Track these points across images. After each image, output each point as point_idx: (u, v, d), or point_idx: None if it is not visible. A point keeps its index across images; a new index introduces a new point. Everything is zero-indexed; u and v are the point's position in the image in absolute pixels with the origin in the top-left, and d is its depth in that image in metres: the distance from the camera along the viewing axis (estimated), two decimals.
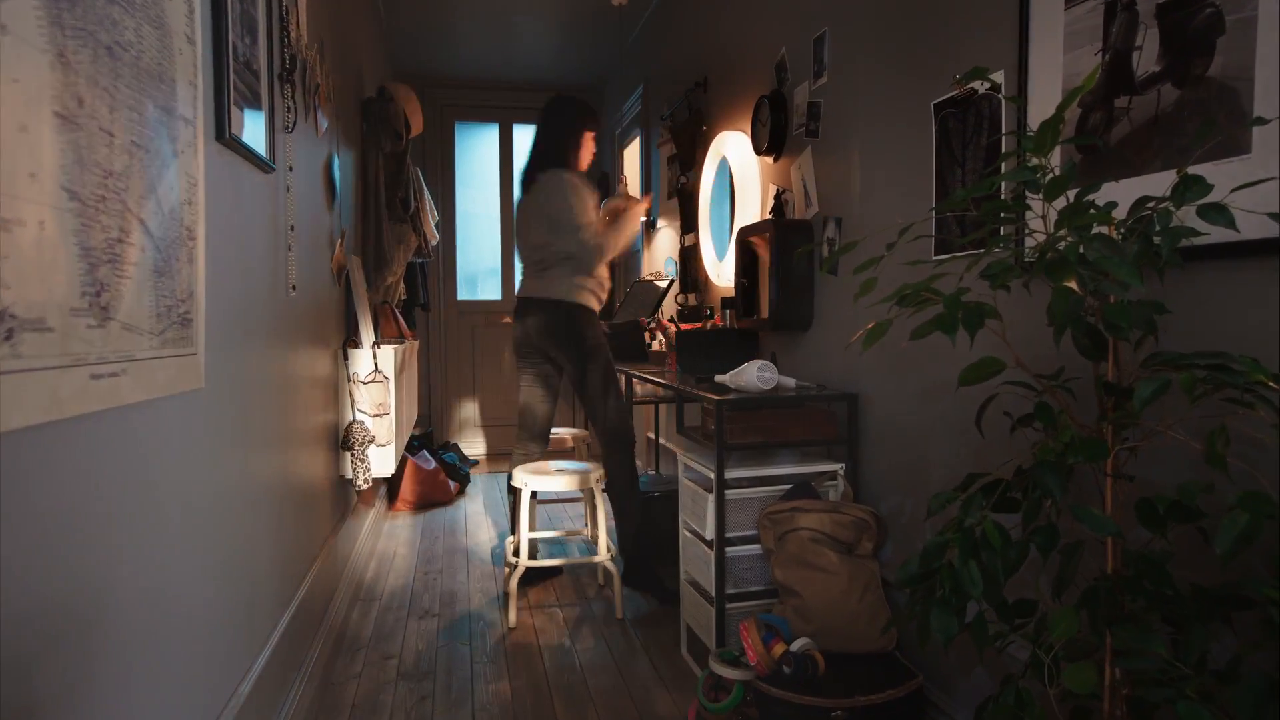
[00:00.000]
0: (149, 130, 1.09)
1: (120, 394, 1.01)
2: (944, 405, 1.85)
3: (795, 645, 1.83)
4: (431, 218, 4.15)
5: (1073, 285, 1.01)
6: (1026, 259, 1.36)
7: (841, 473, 2.19)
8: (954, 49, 1.81)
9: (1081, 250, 1.00)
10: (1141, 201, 1.06)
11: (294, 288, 2.05)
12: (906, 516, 2.03)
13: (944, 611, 1.04)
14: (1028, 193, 1.16)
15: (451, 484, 4.53)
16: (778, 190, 2.74)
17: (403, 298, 4.44)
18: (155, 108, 1.11)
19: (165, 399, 1.19)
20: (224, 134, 1.43)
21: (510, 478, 2.89)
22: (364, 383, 2.82)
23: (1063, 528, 1.10)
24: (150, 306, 1.10)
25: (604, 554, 2.77)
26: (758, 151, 2.89)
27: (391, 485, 4.33)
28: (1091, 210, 1.07)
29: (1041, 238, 1.15)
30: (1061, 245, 1.04)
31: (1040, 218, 1.12)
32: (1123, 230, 1.10)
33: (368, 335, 2.90)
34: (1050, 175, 1.09)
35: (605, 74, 5.61)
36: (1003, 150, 1.65)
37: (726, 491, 2.12)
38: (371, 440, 2.81)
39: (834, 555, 1.94)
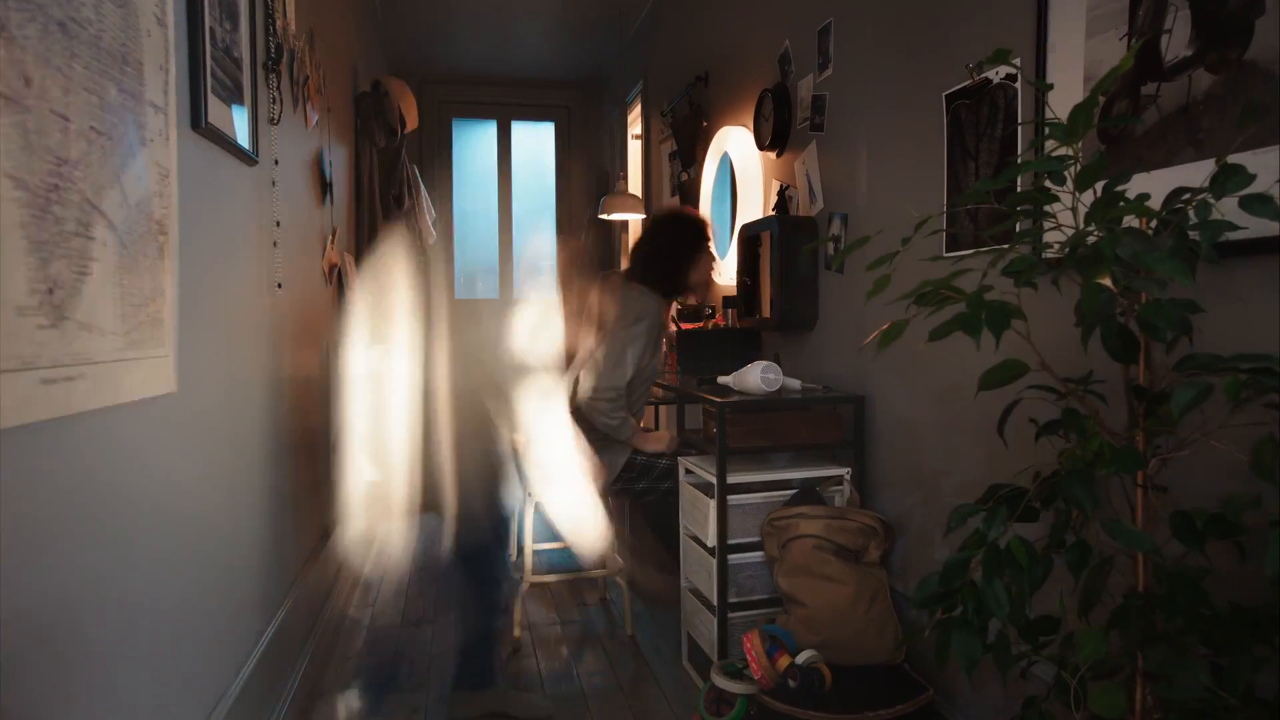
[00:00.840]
0: (112, 116, 1.01)
1: (77, 400, 0.94)
2: (956, 408, 1.78)
3: (801, 658, 1.75)
4: (428, 215, 4.08)
5: (1106, 282, 0.93)
6: (1048, 255, 1.29)
7: (847, 477, 2.12)
8: (966, 37, 1.74)
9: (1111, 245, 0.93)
10: (1178, 193, 0.99)
11: (280, 285, 1.98)
12: (915, 523, 1.96)
13: (966, 633, 0.97)
14: (1050, 184, 1.08)
15: None
16: (781, 186, 2.67)
17: None
18: (119, 92, 1.04)
19: (134, 403, 1.12)
20: (200, 123, 1.36)
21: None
22: None
23: (1088, 541, 1.03)
24: (114, 305, 1.02)
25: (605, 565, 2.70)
26: (760, 146, 2.82)
27: None
28: (1123, 202, 1.00)
29: (1063, 233, 1.08)
30: (1091, 240, 0.97)
31: (1068, 210, 1.04)
32: (1154, 224, 1.03)
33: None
34: (1078, 165, 1.02)
35: (605, 69, 5.53)
36: (1019, 141, 1.58)
37: (728, 497, 2.04)
38: None
39: (840, 563, 1.87)
